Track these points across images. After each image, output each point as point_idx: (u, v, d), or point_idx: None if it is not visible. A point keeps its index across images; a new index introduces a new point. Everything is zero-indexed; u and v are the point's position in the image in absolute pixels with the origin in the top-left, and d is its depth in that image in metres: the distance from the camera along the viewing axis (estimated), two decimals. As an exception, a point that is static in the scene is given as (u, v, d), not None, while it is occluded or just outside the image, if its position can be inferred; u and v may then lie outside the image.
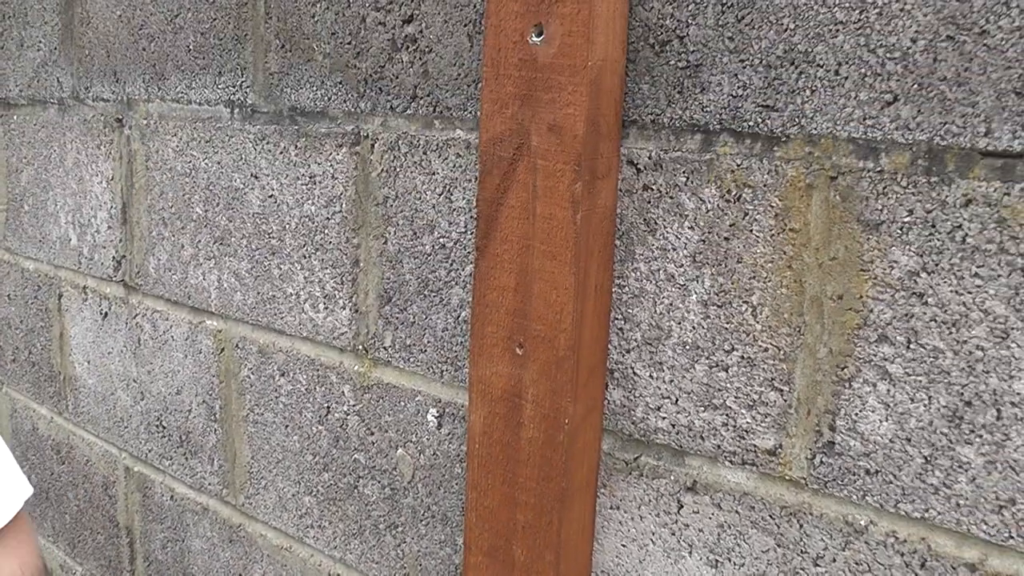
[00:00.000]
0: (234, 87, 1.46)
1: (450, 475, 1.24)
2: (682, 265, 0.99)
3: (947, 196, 0.82)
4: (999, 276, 0.80)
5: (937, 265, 0.83)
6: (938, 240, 0.83)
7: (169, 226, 1.63)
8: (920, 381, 0.85)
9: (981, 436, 0.83)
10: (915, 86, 0.83)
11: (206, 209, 1.54)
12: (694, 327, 0.99)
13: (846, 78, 0.86)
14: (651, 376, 1.03)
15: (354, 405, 1.35)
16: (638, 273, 1.02)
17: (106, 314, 1.84)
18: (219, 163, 1.50)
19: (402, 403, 1.28)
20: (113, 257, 1.78)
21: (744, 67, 0.92)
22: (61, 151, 1.89)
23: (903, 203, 0.84)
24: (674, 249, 0.99)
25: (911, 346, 0.85)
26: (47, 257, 1.99)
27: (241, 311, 1.51)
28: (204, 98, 1.52)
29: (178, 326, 1.65)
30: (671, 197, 0.99)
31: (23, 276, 2.10)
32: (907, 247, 0.84)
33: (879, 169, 0.85)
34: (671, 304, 1.00)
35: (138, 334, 1.76)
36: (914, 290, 0.85)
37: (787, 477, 0.95)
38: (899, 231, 0.85)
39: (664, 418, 1.02)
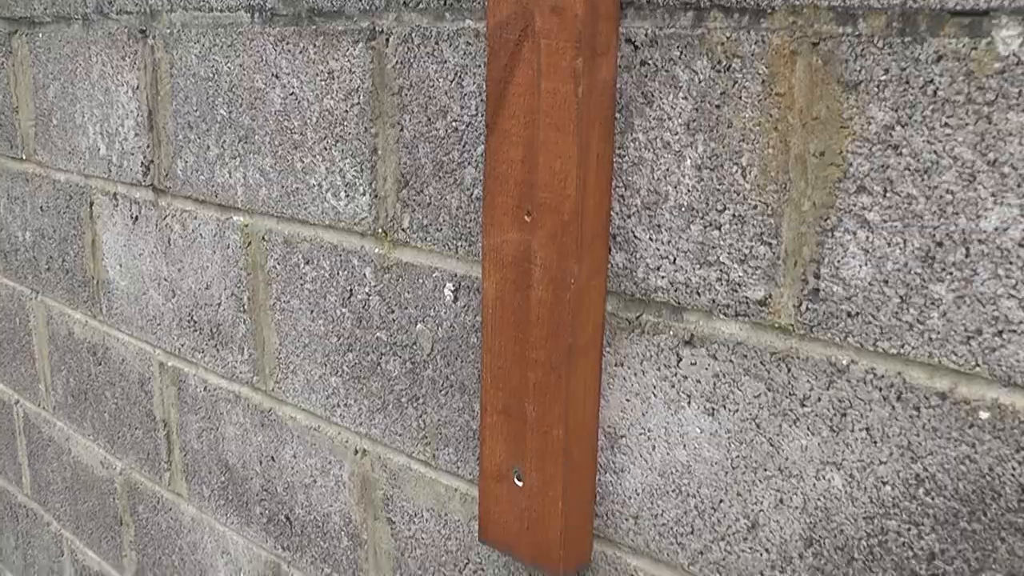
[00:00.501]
0: (253, -10, 1.53)
1: (466, 345, 1.33)
2: (677, 133, 1.06)
3: (919, 54, 0.89)
4: (967, 124, 0.87)
5: (911, 118, 0.91)
6: (911, 95, 0.90)
7: (195, 129, 1.71)
8: (896, 226, 0.93)
9: (951, 273, 0.91)
10: (889, -48, 0.90)
11: (230, 111, 1.62)
12: (689, 190, 1.06)
13: (826, -52, 0.93)
14: (650, 238, 1.11)
15: (375, 286, 1.44)
16: (637, 143, 1.10)
17: (136, 218, 1.92)
18: (241, 66, 1.58)
19: (420, 280, 1.37)
20: (141, 163, 1.87)
21: (732, -58, 0.99)
22: (87, 65, 1.97)
23: (879, 63, 0.92)
24: (670, 119, 1.06)
25: (887, 194, 0.93)
26: (77, 168, 2.08)
27: (266, 205, 1.59)
28: (225, 5, 1.59)
29: (206, 224, 1.74)
30: (666, 71, 1.06)
31: (54, 187, 2.19)
32: (883, 103, 0.92)
33: (857, 33, 0.92)
34: (667, 170, 1.08)
35: (168, 234, 1.84)
36: (889, 143, 0.92)
37: (776, 325, 1.03)
38: (876, 89, 0.92)
39: (663, 277, 1.11)
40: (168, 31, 1.72)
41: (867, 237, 0.95)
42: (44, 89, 2.13)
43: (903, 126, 0.91)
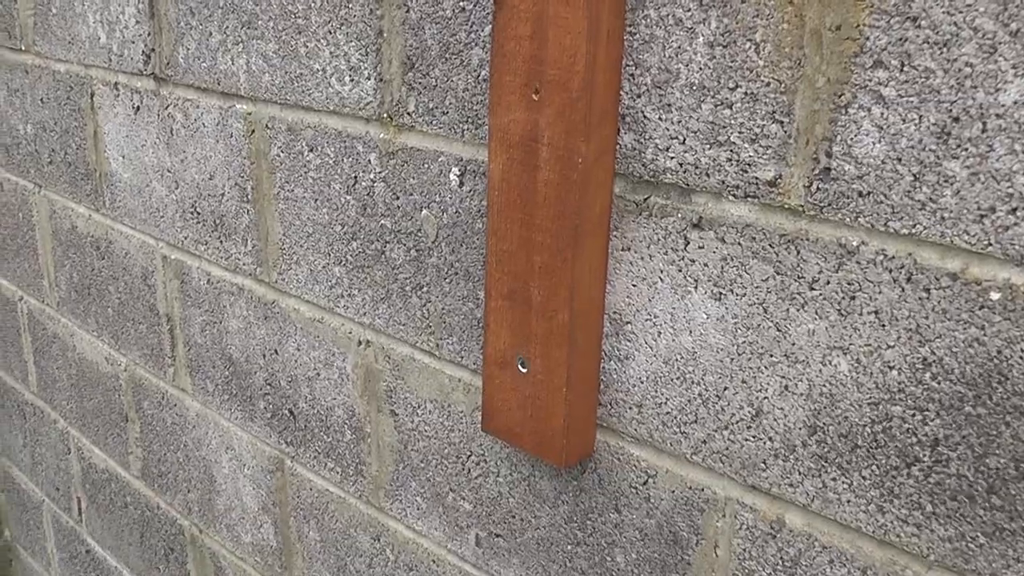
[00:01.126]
0: None
1: (471, 231, 1.32)
2: (690, 9, 1.03)
3: (942, -79, 0.86)
4: (988, -6, 0.85)
5: (930, -11, 0.88)
6: (932, -36, 0.87)
7: (196, 15, 1.68)
8: (912, 102, 0.91)
9: (967, 149, 0.89)
10: None
11: (232, -6, 1.59)
12: (701, 68, 1.04)
13: None
14: (660, 118, 1.08)
15: (380, 172, 1.42)
16: (648, 20, 1.07)
17: (138, 108, 1.90)
18: (243, -54, 1.54)
19: (426, 165, 1.35)
20: (142, 51, 1.84)
21: None
22: (87, -51, 1.93)
23: (900, -70, 0.88)
24: (683, -8, 1.04)
25: (904, 69, 0.91)
26: (77, 58, 2.05)
27: (270, 92, 1.56)
28: None
29: (209, 112, 1.71)
30: (680, -59, 1.03)
31: (54, 78, 2.16)
32: (903, -27, 0.89)
33: (878, -102, 0.89)
34: (679, 47, 1.05)
35: (170, 124, 1.82)
36: (908, 15, 0.89)
37: (786, 206, 1.01)
38: (896, -42, 0.89)
39: (672, 158, 1.09)
40: (169, -87, 1.68)
41: (882, 113, 0.93)
42: (44, -23, 2.09)
43: (923, -4, 0.88)
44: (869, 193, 0.95)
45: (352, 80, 1.42)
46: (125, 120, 1.95)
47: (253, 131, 1.62)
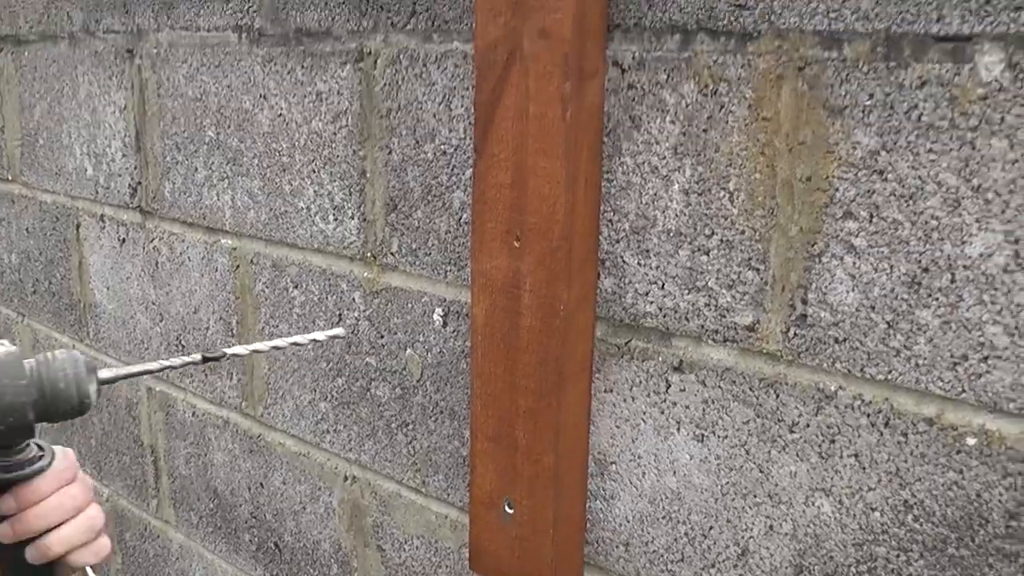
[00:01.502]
0: (241, 12, 1.53)
1: (456, 371, 1.33)
2: (665, 157, 1.06)
3: (904, 79, 0.89)
4: (951, 150, 0.87)
5: (895, 143, 0.90)
6: (896, 120, 0.90)
7: (182, 150, 1.70)
8: (882, 252, 0.93)
9: (937, 299, 0.90)
10: (874, -21, 0.90)
11: (218, 132, 1.61)
12: (677, 215, 1.06)
13: (811, -26, 0.93)
14: (639, 263, 1.10)
15: (364, 310, 1.43)
16: (625, 167, 1.09)
17: (124, 240, 1.92)
18: (229, 87, 1.57)
19: (409, 305, 1.36)
20: (129, 184, 1.86)
21: (718, -32, 0.99)
22: (73, 84, 1.96)
23: (864, 88, 0.91)
24: (657, 142, 1.06)
25: (873, 220, 0.93)
26: (64, 189, 2.07)
27: (255, 228, 1.59)
28: (212, 24, 1.59)
29: (194, 247, 1.73)
30: (654, 94, 1.06)
31: (41, 209, 2.18)
32: (868, 128, 0.92)
33: (842, 58, 0.92)
34: (655, 194, 1.07)
35: (155, 257, 1.84)
36: (875, 168, 0.92)
37: (764, 351, 1.03)
38: (861, 114, 0.92)
39: (652, 302, 1.10)
40: (155, 51, 1.72)
41: (854, 263, 0.95)
42: (30, 108, 2.13)
43: (888, 151, 0.91)
44: (845, 339, 0.97)
45: (336, 219, 1.44)
46: (111, 252, 1.97)
47: (238, 266, 1.64)
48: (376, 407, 1.46)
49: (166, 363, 0.86)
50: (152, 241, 1.84)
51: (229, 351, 0.89)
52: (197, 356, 0.87)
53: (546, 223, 1.08)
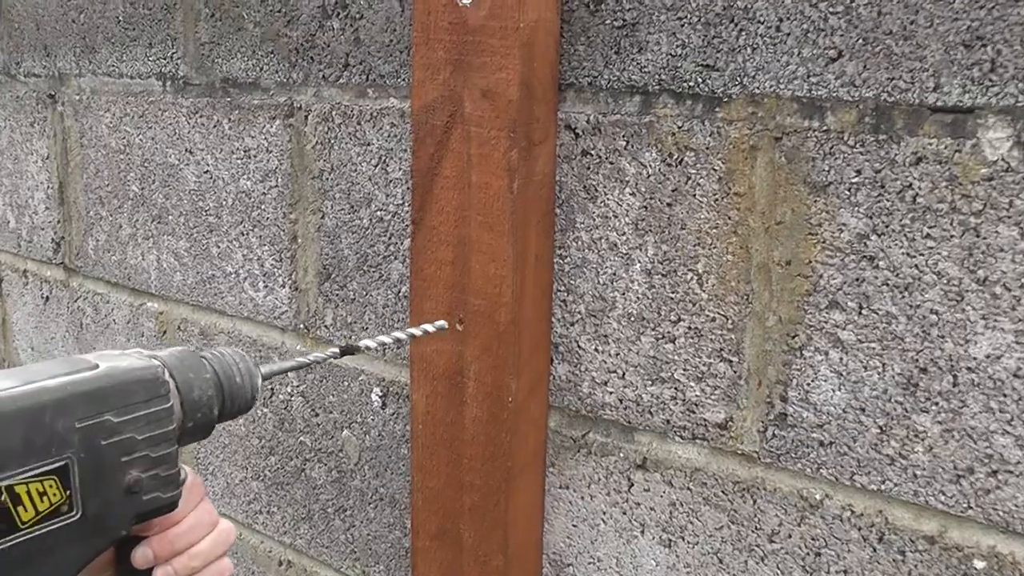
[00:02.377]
0: (165, 59, 1.40)
1: (396, 456, 1.20)
2: (624, 233, 0.94)
3: (896, 155, 0.78)
4: (952, 237, 0.76)
5: (887, 227, 0.79)
6: (888, 201, 0.79)
7: (106, 205, 1.57)
8: (873, 348, 0.81)
9: (937, 404, 0.79)
10: (860, 41, 0.79)
11: (142, 187, 1.48)
12: (639, 298, 0.94)
13: (788, 34, 0.82)
14: (596, 349, 0.98)
15: (298, 386, 1.30)
16: (579, 242, 0.98)
17: (47, 298, 1.78)
18: (153, 139, 1.44)
19: (346, 383, 1.24)
20: (52, 239, 1.72)
21: (682, 25, 0.88)
22: (-5, 130, 1.83)
23: (851, 163, 0.80)
24: (616, 216, 0.94)
25: (863, 312, 0.82)
26: (-14, 240, 1.93)
27: (181, 291, 1.45)
28: (136, 71, 1.46)
29: (119, 308, 1.60)
30: (611, 162, 0.94)
31: (-37, 261, 2.03)
32: (856, 209, 0.80)
33: (825, 128, 0.81)
34: (614, 274, 0.96)
35: (80, 318, 1.70)
36: (864, 253, 0.81)
37: (739, 451, 0.91)
38: (847, 192, 0.81)
39: (611, 393, 0.98)
40: (77, 97, 1.59)
41: (841, 359, 0.83)
42: (-48, 155, 1.99)
43: (879, 235, 0.80)
44: (831, 443, 0.85)
45: (266, 287, 1.31)
46: (34, 310, 1.83)
47: (165, 332, 1.51)
48: (311, 489, 1.33)
49: (314, 357, 0.81)
50: (76, 300, 1.70)
51: (362, 343, 0.85)
52: (336, 349, 0.82)
53: (492, 306, 0.96)
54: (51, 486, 0.61)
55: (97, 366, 0.65)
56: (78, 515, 0.63)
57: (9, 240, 1.85)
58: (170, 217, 1.44)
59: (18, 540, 0.60)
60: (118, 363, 0.66)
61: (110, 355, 0.68)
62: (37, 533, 0.61)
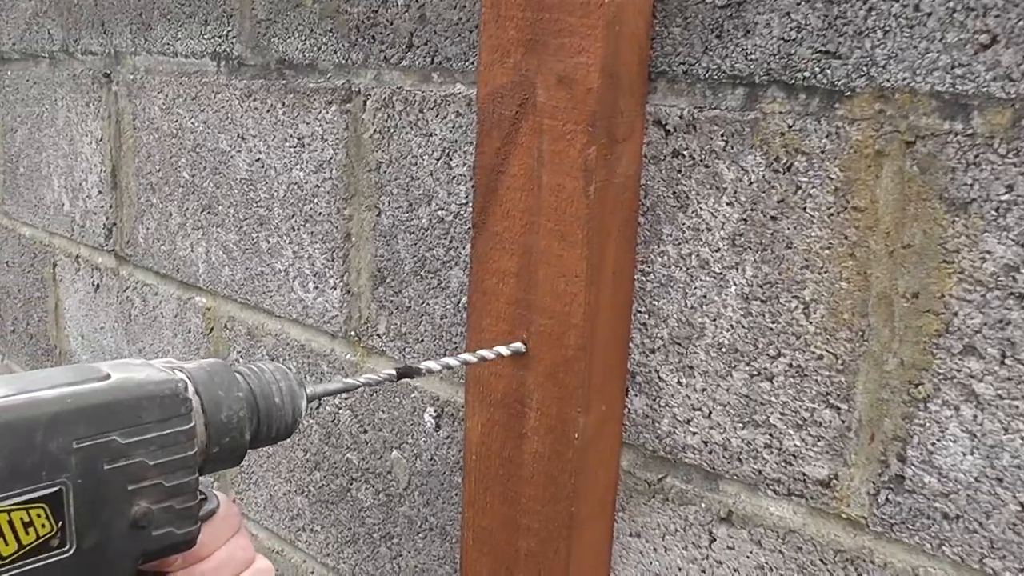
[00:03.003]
0: (220, 37, 1.29)
1: (449, 484, 1.07)
2: (719, 249, 0.80)
3: (1061, 168, 0.63)
4: None
5: (1045, 257, 0.64)
6: (1047, 225, 0.64)
7: (157, 192, 1.47)
8: (1017, 407, 0.67)
9: (1098, 479, 0.64)
10: (1021, 23, 0.64)
11: (193, 174, 1.38)
12: (732, 326, 0.80)
13: (929, 14, 0.67)
14: (680, 382, 0.85)
15: (346, 398, 1.18)
16: (665, 258, 0.84)
17: (98, 286, 1.69)
18: (205, 123, 1.34)
19: (397, 399, 1.11)
20: (104, 224, 1.63)
21: (799, 3, 0.73)
22: (52, 109, 1.74)
23: (1001, 176, 0.65)
24: (709, 229, 0.81)
25: (1007, 361, 0.67)
26: (42, 223, 1.85)
27: (230, 287, 1.35)
28: (190, 50, 1.35)
29: (167, 302, 1.50)
30: (706, 165, 0.80)
31: (20, 243, 1.96)
32: (1005, 233, 0.66)
33: (970, 132, 0.67)
34: (705, 296, 0.82)
35: (128, 308, 1.60)
36: (1013, 290, 0.66)
37: (844, 515, 0.77)
38: (995, 213, 0.66)
39: (695, 433, 0.85)
40: (132, 77, 1.49)
41: (975, 416, 0.69)
42: (12, 132, 1.91)
43: (1035, 267, 0.65)
44: (958, 517, 0.71)
45: (316, 288, 1.19)
46: (85, 297, 1.74)
47: (212, 329, 1.40)
48: (357, 511, 1.21)
49: (367, 378, 0.74)
50: (126, 291, 1.60)
51: (424, 366, 0.77)
52: (392, 371, 0.75)
53: (560, 327, 0.83)
54: (39, 515, 0.51)
55: (108, 376, 0.56)
56: (71, 550, 0.53)
57: (63, 224, 1.77)
58: (220, 207, 1.33)
59: None
60: (134, 375, 0.56)
61: (129, 364, 0.58)
62: (20, 571, 0.51)
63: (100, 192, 1.63)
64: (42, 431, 0.51)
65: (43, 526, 0.51)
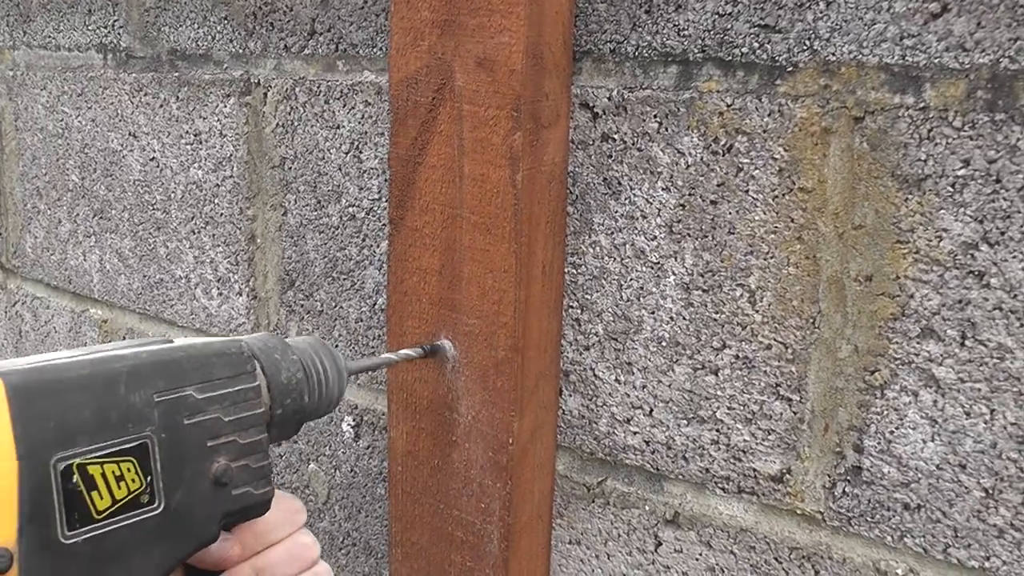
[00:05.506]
0: (106, 28, 1.21)
1: (372, 496, 1.01)
2: (655, 238, 0.76)
3: (1019, 140, 0.60)
4: (1095, 248, 0.58)
5: (1003, 234, 0.61)
6: (1005, 200, 0.61)
7: (44, 197, 1.38)
8: (979, 390, 0.63)
9: (1067, 464, 0.61)
10: (972, -11, 0.60)
11: (82, 176, 1.29)
12: (672, 318, 0.76)
13: (875, -18, 0.64)
14: (618, 380, 0.80)
15: (257, 411, 1.11)
16: (598, 248, 0.79)
17: (-18, 300, 1.58)
18: (93, 120, 1.25)
19: (313, 410, 1.05)
20: (-14, 234, 1.53)
21: (734, -27, 0.69)
22: (-75, 112, 1.63)
23: (956, 151, 0.62)
24: (644, 217, 0.76)
25: (967, 343, 0.63)
26: (-82, 235, 1.73)
27: (127, 297, 1.26)
28: (74, 42, 1.26)
29: (60, 315, 1.40)
30: (639, 149, 0.75)
31: None
32: (962, 210, 0.62)
33: (923, 106, 0.63)
34: (642, 288, 0.77)
35: (19, 324, 1.50)
36: (971, 268, 0.63)
37: (798, 510, 0.73)
38: (951, 189, 0.62)
39: (636, 433, 0.80)
40: (11, 73, 1.39)
41: (935, 402, 0.65)
42: None
43: (992, 245, 0.61)
44: (920, 507, 0.67)
45: (221, 294, 1.12)
46: (-31, 313, 1.63)
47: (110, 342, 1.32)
48: (276, 531, 1.14)
49: (403, 354, 0.77)
50: (15, 305, 1.50)
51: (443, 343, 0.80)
52: (420, 348, 0.78)
53: (489, 327, 0.77)
54: (128, 469, 0.51)
55: (171, 341, 0.57)
56: (160, 507, 0.53)
57: (-58, 235, 1.66)
58: (113, 212, 1.25)
59: (95, 533, 0.49)
60: (195, 340, 0.58)
61: (185, 337, 0.61)
62: (114, 527, 0.50)
63: (-19, 200, 1.52)
64: (123, 384, 0.51)
65: (133, 480, 0.51)
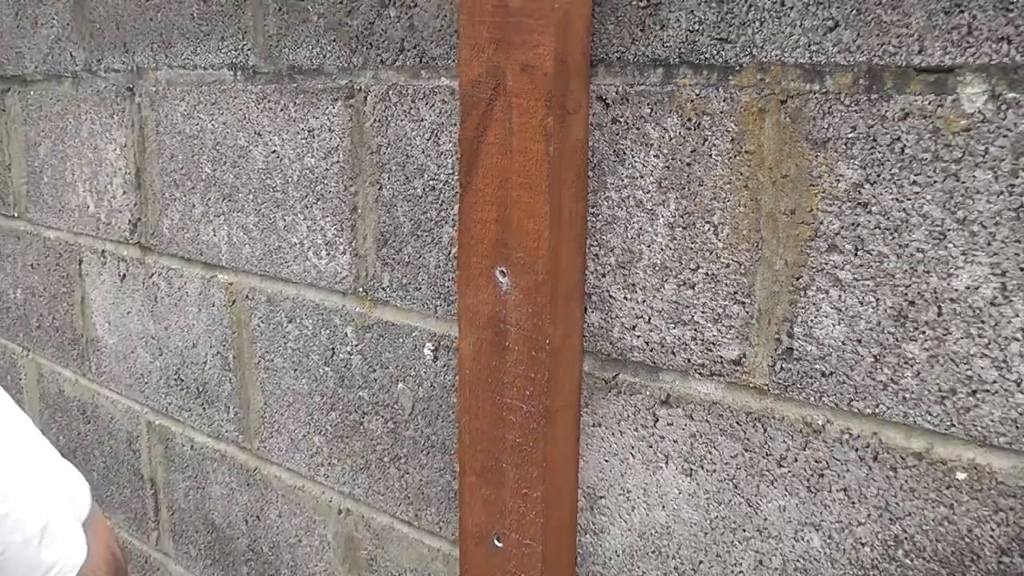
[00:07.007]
0: (236, 50, 1.54)
1: (446, 405, 1.32)
2: (649, 191, 1.05)
3: (886, 111, 0.89)
4: (935, 182, 0.87)
5: (879, 176, 0.90)
6: (879, 152, 0.89)
7: (180, 187, 1.71)
8: (868, 285, 0.92)
9: (924, 332, 0.89)
10: (854, 12, 0.89)
11: (214, 168, 1.62)
12: (662, 249, 1.05)
13: (791, 8, 0.93)
14: (625, 298, 1.10)
15: (357, 345, 1.43)
16: (610, 201, 1.09)
17: (124, 276, 1.92)
18: (224, 123, 1.58)
19: (400, 339, 1.36)
20: (129, 220, 1.87)
21: (699, 3, 0.99)
22: (76, 122, 1.98)
23: (847, 120, 0.91)
24: (641, 177, 1.06)
25: (858, 253, 0.92)
26: (67, 225, 2.08)
27: (250, 263, 1.59)
28: (208, 63, 1.60)
29: (192, 282, 1.73)
30: (637, 128, 1.05)
31: (45, 245, 2.19)
32: (851, 161, 0.91)
33: (824, 90, 0.92)
34: (641, 228, 1.07)
35: (155, 292, 1.84)
36: (859, 200, 0.91)
37: (751, 385, 1.02)
38: (844, 147, 0.91)
39: (639, 336, 1.09)
40: (154, 89, 1.73)
41: (840, 296, 0.94)
42: (35, 147, 2.14)
43: (872, 184, 0.90)
44: (832, 373, 0.96)
45: (328, 255, 1.44)
46: (111, 287, 1.97)
47: (234, 301, 1.64)
48: (369, 441, 1.45)
49: None
50: (151, 276, 1.84)
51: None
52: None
53: (531, 258, 1.08)
54: None
55: None
56: None
57: (89, 224, 2.00)
58: (239, 195, 1.58)
59: None
60: None
61: None
62: None
63: (125, 192, 1.86)
64: None
65: None
